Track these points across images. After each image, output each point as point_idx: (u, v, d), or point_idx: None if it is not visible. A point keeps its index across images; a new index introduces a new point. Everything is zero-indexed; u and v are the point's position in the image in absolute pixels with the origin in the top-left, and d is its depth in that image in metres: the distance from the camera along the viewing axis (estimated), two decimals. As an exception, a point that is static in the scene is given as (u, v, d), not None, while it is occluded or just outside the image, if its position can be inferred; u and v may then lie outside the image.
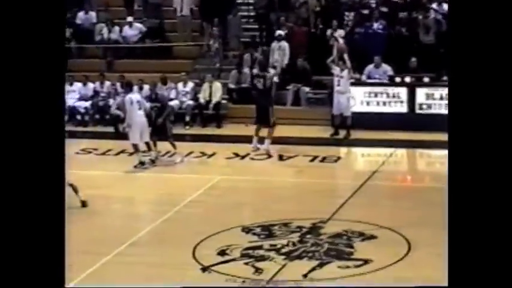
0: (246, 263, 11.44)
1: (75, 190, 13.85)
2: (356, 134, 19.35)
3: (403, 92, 20.02)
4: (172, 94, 21.33)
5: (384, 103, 20.19)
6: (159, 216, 13.68)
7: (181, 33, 23.77)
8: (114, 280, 11.02)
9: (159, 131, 17.41)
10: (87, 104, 21.74)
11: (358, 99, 19.97)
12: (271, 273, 11.08)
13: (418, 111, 19.92)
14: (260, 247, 12.06)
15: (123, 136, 17.59)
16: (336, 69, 19.42)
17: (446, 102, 19.38)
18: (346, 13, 22.31)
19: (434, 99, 19.82)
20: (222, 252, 11.84)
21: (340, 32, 21.31)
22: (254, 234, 12.66)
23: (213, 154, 18.31)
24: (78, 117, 21.58)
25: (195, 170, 17.15)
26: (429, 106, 19.88)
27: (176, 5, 23.84)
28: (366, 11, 22.13)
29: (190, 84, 21.64)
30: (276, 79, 19.63)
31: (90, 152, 17.79)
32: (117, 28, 23.74)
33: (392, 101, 20.14)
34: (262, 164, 17.56)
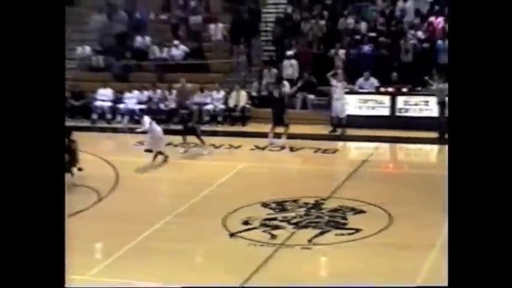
0: (264, 231, 11.43)
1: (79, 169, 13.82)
2: (350, 132, 19.19)
3: (386, 99, 19.93)
4: (208, 100, 21.40)
5: (372, 108, 20.07)
6: (197, 194, 13.61)
7: (215, 53, 23.80)
8: (164, 242, 11.00)
9: (191, 131, 17.38)
10: (143, 106, 21.75)
11: (351, 105, 19.84)
12: (283, 239, 11.10)
13: (398, 114, 19.81)
14: (275, 218, 12.04)
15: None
16: (333, 81, 19.43)
17: (421, 107, 19.56)
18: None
19: (411, 105, 19.72)
20: (245, 222, 11.83)
21: (341, 52, 21.32)
22: (270, 208, 12.61)
23: (239, 146, 18.19)
24: (136, 117, 21.55)
25: (225, 159, 17.03)
26: (407, 110, 19.76)
27: (212, 31, 24.08)
28: (358, 36, 22.05)
29: (222, 93, 21.62)
30: (288, 90, 19.58)
31: (143, 144, 17.66)
32: (166, 49, 23.79)
33: (378, 106, 20.00)
34: (277, 154, 17.44)
